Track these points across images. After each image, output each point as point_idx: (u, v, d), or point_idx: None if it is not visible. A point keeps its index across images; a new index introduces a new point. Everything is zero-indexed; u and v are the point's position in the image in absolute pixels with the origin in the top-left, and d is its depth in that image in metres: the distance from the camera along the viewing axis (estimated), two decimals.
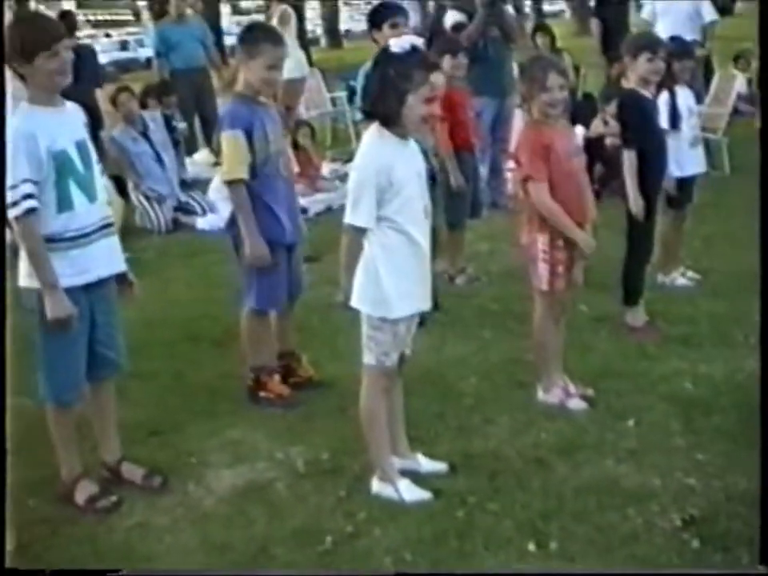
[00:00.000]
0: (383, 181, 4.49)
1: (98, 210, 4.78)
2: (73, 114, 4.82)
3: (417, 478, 4.95)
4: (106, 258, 4.86)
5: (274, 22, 14.32)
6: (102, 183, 4.89)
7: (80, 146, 4.71)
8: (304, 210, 9.19)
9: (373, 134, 4.60)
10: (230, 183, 5.83)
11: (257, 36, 5.86)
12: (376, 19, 7.11)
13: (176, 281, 9.01)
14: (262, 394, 6.07)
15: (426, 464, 5.09)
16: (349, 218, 4.57)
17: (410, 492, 4.84)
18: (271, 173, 5.81)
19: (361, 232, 4.57)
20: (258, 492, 5.04)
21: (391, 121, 4.52)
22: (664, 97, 7.40)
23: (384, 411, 4.89)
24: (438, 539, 4.46)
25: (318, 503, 4.87)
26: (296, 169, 6.41)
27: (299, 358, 6.30)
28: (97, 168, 4.83)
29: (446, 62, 7.80)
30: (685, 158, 7.59)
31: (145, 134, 11.51)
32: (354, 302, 4.69)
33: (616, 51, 7.50)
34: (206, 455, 5.45)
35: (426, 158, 6.15)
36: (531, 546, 4.35)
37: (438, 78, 4.62)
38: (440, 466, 5.09)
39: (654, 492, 4.77)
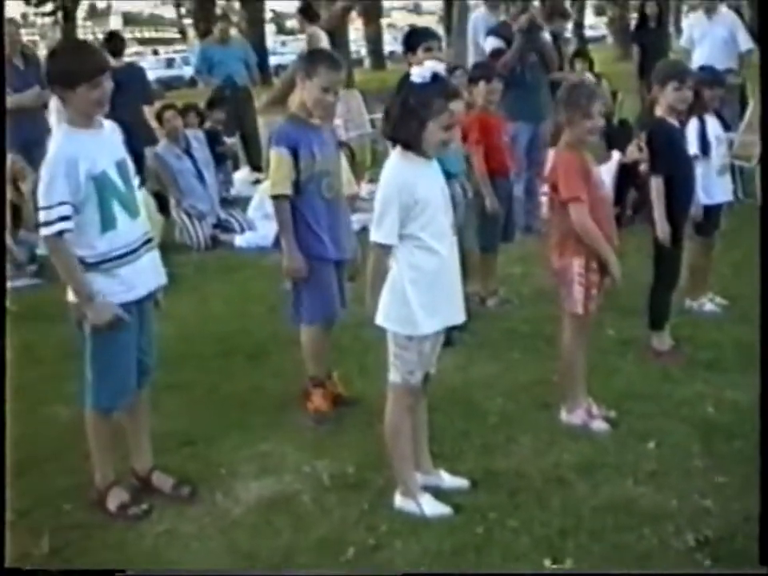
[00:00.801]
0: (406, 198, 4.61)
1: (140, 225, 4.94)
2: (111, 134, 4.96)
3: (439, 493, 5.06)
4: (153, 271, 5.03)
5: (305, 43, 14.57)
6: (141, 198, 5.05)
7: (120, 166, 4.86)
8: None
9: (396, 155, 4.73)
10: (274, 198, 6.01)
11: (315, 58, 6.04)
12: (410, 43, 7.27)
13: (213, 296, 9.17)
14: (309, 404, 6.25)
15: (448, 480, 5.21)
16: (373, 236, 4.70)
17: (431, 507, 4.95)
18: (314, 192, 5.96)
19: (386, 249, 4.69)
20: (284, 503, 5.16)
21: (412, 145, 4.66)
22: (694, 124, 7.49)
23: (408, 428, 5.00)
24: (456, 553, 4.57)
25: (342, 515, 4.98)
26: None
27: (330, 375, 6.42)
28: (135, 184, 4.98)
29: (481, 87, 7.96)
30: (713, 186, 7.67)
31: (188, 152, 11.68)
32: (380, 320, 4.81)
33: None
34: (235, 467, 5.58)
35: (457, 180, 6.29)
36: (547, 563, 4.45)
37: (457, 106, 4.74)
38: (462, 483, 5.19)
39: (670, 513, 4.85)
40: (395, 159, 4.73)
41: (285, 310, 6.47)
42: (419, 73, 4.64)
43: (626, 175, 9.96)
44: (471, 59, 11.90)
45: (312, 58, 6.07)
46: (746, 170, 12.21)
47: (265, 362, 7.28)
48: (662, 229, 6.74)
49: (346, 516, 4.97)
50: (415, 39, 7.27)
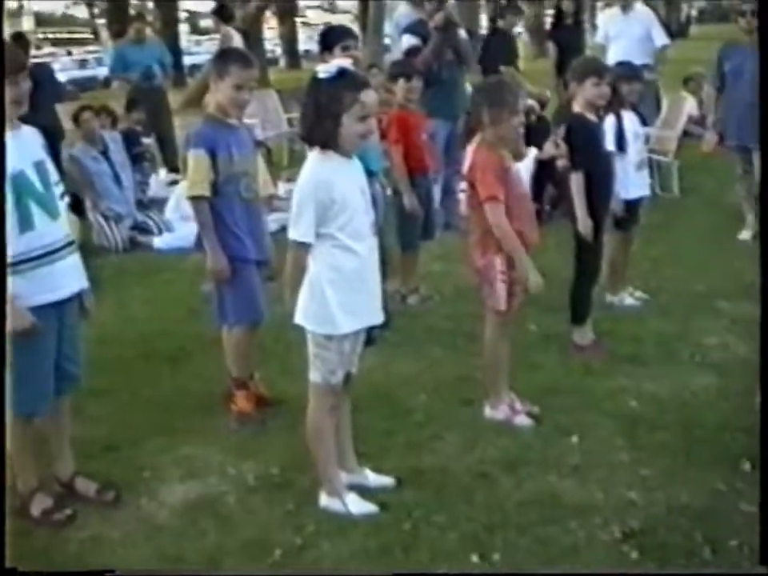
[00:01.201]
0: (323, 197, 4.60)
1: (60, 227, 4.87)
2: (30, 137, 4.89)
3: (364, 492, 5.06)
4: (74, 273, 4.96)
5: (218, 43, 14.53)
6: (63, 202, 4.98)
7: (38, 167, 4.80)
8: None
9: (314, 155, 4.72)
10: (193, 199, 5.95)
11: (227, 57, 6.02)
12: (327, 42, 7.23)
13: (133, 299, 9.08)
14: (233, 407, 6.20)
15: (373, 479, 5.20)
16: (291, 234, 4.68)
17: (357, 506, 4.95)
18: (233, 193, 5.92)
19: (303, 247, 4.67)
20: (210, 506, 5.13)
21: (330, 143, 4.65)
22: (610, 120, 7.56)
23: (331, 428, 5.00)
24: (384, 551, 4.57)
25: (268, 517, 4.97)
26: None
27: (252, 376, 6.38)
28: (57, 187, 4.91)
29: (401, 84, 7.97)
30: (631, 181, 7.75)
31: (105, 153, 11.56)
32: (299, 319, 4.80)
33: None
34: (159, 470, 5.53)
35: (376, 179, 6.29)
36: (475, 558, 4.47)
37: (368, 96, 4.72)
38: (387, 481, 5.19)
39: (595, 506, 4.90)
40: (313, 159, 4.71)
41: (209, 311, 6.43)
42: (325, 69, 4.65)
43: (544, 172, 10.03)
44: (395, 56, 11.93)
45: (224, 58, 6.05)
46: (663, 165, 12.36)
47: (186, 364, 7.22)
48: (584, 223, 6.80)
49: (271, 517, 4.96)
50: (332, 38, 7.24)
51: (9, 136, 4.67)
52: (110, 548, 4.75)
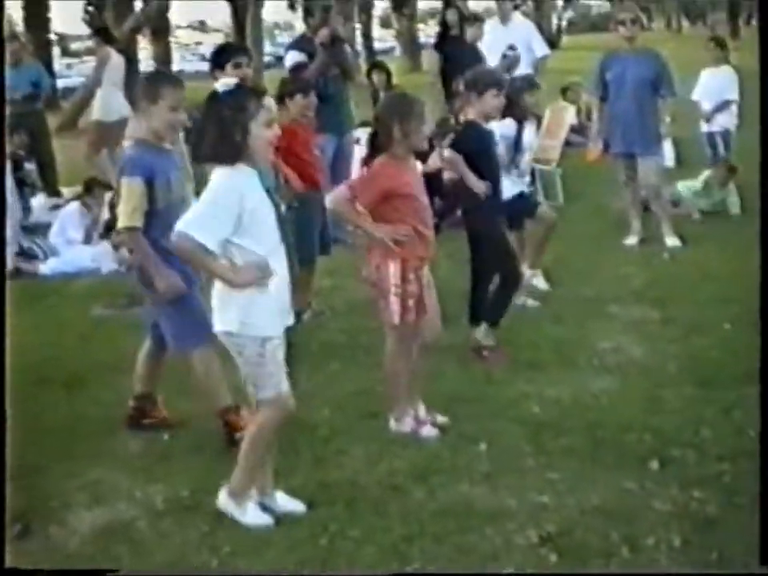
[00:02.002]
0: (236, 207, 4.59)
1: None
2: None
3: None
4: None
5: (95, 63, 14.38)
6: None
7: None
8: None
9: (223, 169, 4.68)
10: (127, 230, 5.80)
11: (156, 80, 5.94)
12: (220, 60, 7.22)
13: (21, 326, 8.88)
14: (146, 421, 6.11)
15: (282, 502, 5.12)
16: (188, 228, 4.62)
17: (253, 516, 4.94)
18: (173, 219, 5.78)
19: (201, 250, 4.62)
20: (121, 531, 5.04)
21: (238, 157, 4.63)
22: (512, 126, 7.65)
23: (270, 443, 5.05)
24: (302, 567, 4.54)
25: (182, 539, 4.90)
26: None
27: (155, 400, 6.29)
28: None
29: (297, 101, 7.90)
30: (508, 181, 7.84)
31: None
32: (225, 328, 4.81)
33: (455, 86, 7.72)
34: (66, 497, 5.43)
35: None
36: (394, 569, 4.46)
37: (270, 102, 4.76)
38: (297, 506, 5.10)
39: (509, 511, 4.92)
40: (223, 171, 4.68)
41: (172, 341, 6.11)
42: (222, 84, 4.67)
43: (429, 184, 10.05)
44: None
45: (153, 81, 5.96)
46: (546, 174, 12.53)
47: (83, 389, 7.10)
48: (478, 185, 6.89)
49: (185, 539, 4.89)
50: (224, 56, 7.24)
51: None
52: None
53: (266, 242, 4.72)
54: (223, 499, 4.99)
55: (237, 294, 4.73)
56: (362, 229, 5.97)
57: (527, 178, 8.41)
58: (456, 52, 13.11)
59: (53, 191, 13.78)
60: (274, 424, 4.93)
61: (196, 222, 4.62)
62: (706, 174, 11.75)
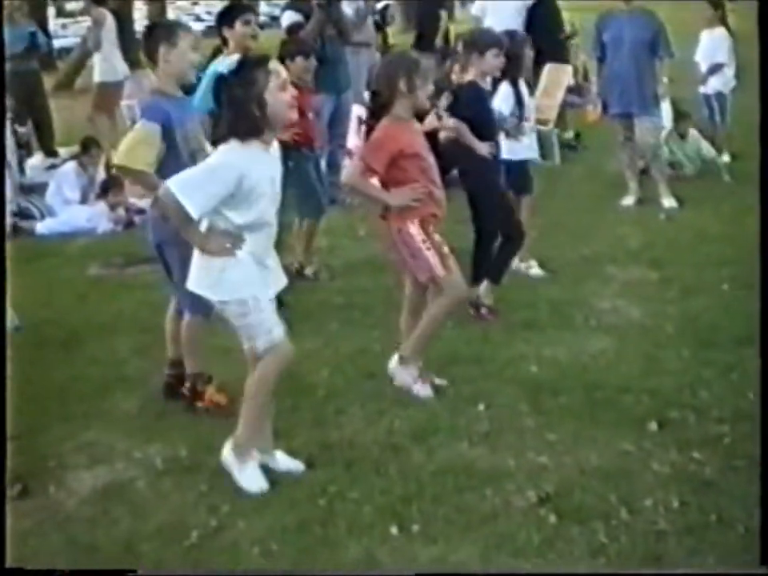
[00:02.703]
0: (230, 185, 4.60)
1: None
2: None
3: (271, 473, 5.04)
4: None
5: (89, 23, 14.27)
6: None
7: None
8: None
9: (233, 143, 4.67)
10: (126, 171, 5.82)
11: (171, 25, 6.06)
12: (228, 17, 7.22)
13: (18, 286, 8.86)
14: (200, 404, 5.94)
15: (282, 461, 5.13)
16: (176, 189, 4.61)
17: (250, 480, 4.94)
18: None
19: (187, 219, 4.65)
20: (119, 492, 5.05)
21: (260, 131, 4.65)
22: (506, 87, 7.61)
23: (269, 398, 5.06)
24: (302, 528, 4.53)
25: (181, 499, 4.91)
26: None
27: (207, 378, 6.05)
28: None
29: (298, 63, 7.90)
30: (519, 144, 7.80)
31: None
32: (204, 291, 4.87)
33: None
34: (63, 458, 5.43)
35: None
36: (394, 530, 4.46)
37: (275, 64, 4.75)
38: (295, 465, 5.12)
39: (508, 471, 4.93)
40: (232, 146, 4.67)
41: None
42: (225, 65, 4.68)
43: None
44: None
45: (168, 27, 5.99)
46: (543, 134, 12.46)
47: (79, 350, 7.10)
48: (480, 147, 6.89)
49: (184, 500, 4.90)
50: (233, 12, 7.26)
51: None
52: (22, 539, 4.62)
53: (257, 216, 4.74)
54: (226, 454, 4.98)
55: (210, 259, 4.77)
56: (380, 200, 5.96)
57: (535, 145, 8.35)
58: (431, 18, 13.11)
59: (49, 151, 13.71)
60: (272, 373, 4.92)
61: (186, 186, 4.62)
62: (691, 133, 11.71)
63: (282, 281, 5.03)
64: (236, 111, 4.61)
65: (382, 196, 5.90)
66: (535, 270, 8.11)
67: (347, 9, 11.05)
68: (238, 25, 7.11)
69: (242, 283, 4.77)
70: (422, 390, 5.92)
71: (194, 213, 4.60)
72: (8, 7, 13.83)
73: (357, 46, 11.50)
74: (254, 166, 4.65)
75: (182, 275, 5.77)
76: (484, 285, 7.21)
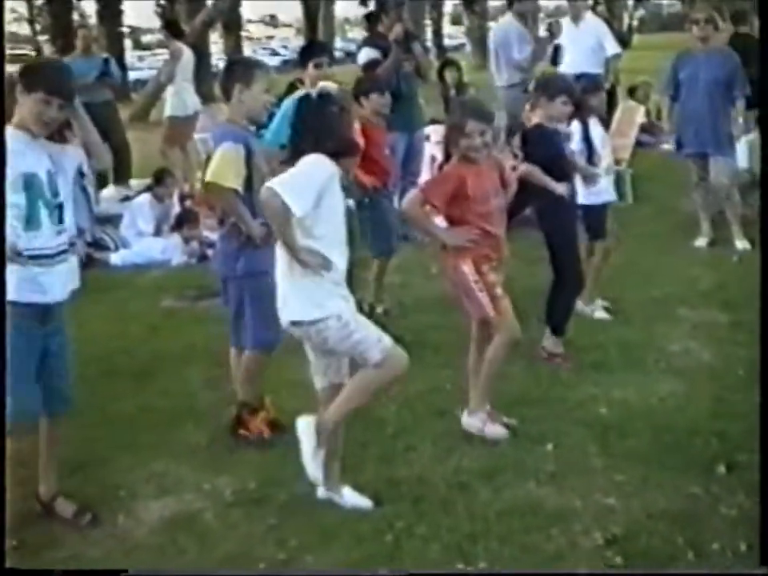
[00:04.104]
0: (322, 188, 4.71)
1: (61, 234, 4.89)
2: (65, 152, 4.97)
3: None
4: (67, 278, 4.98)
5: (166, 56, 14.43)
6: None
7: (50, 175, 4.83)
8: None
9: (316, 155, 4.80)
10: (218, 189, 5.81)
11: (248, 65, 6.02)
12: (302, 57, 7.38)
13: (91, 316, 9.00)
14: (242, 431, 6.02)
15: (350, 497, 5.16)
16: (282, 192, 4.66)
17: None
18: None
19: (287, 212, 4.69)
20: (188, 522, 5.10)
21: (348, 151, 4.85)
22: (576, 127, 7.60)
23: None
24: (368, 563, 4.56)
25: (248, 531, 4.95)
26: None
27: (262, 400, 6.18)
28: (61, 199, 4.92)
29: (374, 100, 7.92)
30: (599, 186, 7.79)
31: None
32: (302, 316, 4.87)
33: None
34: (133, 488, 5.49)
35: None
36: (460, 567, 4.47)
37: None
38: (364, 501, 5.14)
39: (575, 512, 4.92)
40: (318, 156, 4.79)
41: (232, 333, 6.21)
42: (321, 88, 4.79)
43: None
44: (495, 70, 12.30)
45: (246, 66, 6.00)
46: (617, 174, 12.42)
47: (151, 380, 7.17)
48: (556, 186, 6.83)
49: (252, 532, 4.94)
50: (306, 55, 7.43)
51: (28, 139, 4.77)
52: (90, 568, 4.69)
53: (332, 236, 4.82)
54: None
55: (303, 281, 4.81)
56: (431, 235, 6.03)
57: (612, 187, 8.34)
58: None
59: (125, 182, 13.86)
60: (385, 378, 5.01)
61: (288, 185, 4.69)
62: None
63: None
64: (331, 128, 4.80)
65: (437, 232, 5.97)
66: (600, 313, 8.07)
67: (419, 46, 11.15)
68: (310, 67, 7.23)
69: (335, 302, 4.83)
70: (494, 430, 5.90)
71: (298, 211, 4.66)
72: (85, 39, 14.09)
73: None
74: (333, 182, 4.78)
75: (240, 310, 5.87)
76: (549, 335, 7.17)
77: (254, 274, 5.77)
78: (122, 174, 13.91)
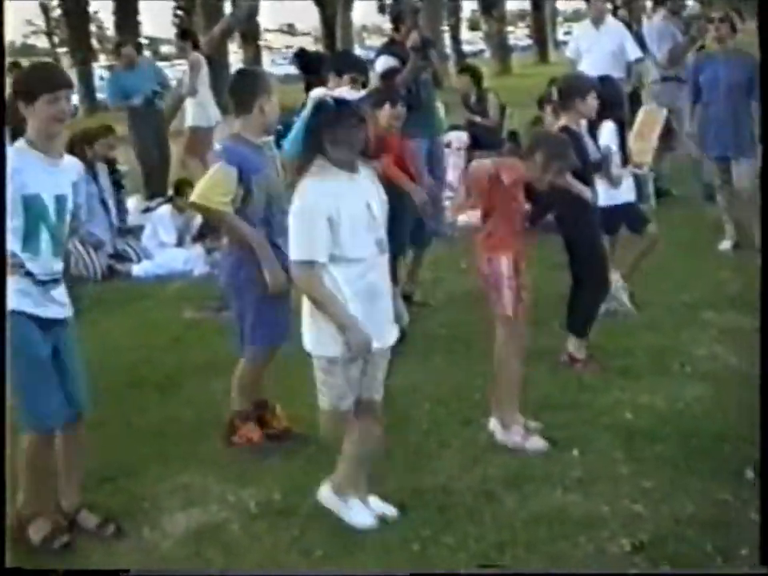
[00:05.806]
0: (329, 214, 4.61)
1: (57, 262, 4.90)
2: (66, 168, 4.95)
3: None
4: (62, 301, 4.96)
5: (185, 68, 14.44)
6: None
7: (58, 199, 4.83)
8: None
9: (312, 177, 4.72)
10: (203, 210, 5.94)
11: (267, 76, 6.10)
12: (341, 67, 7.46)
13: (114, 328, 9.01)
14: (234, 438, 6.04)
15: (376, 506, 5.13)
16: (298, 254, 4.66)
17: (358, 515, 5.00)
18: (276, 216, 5.82)
19: (312, 267, 4.64)
20: (213, 533, 5.09)
21: (362, 156, 4.80)
22: (610, 126, 7.66)
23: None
24: (395, 572, 4.54)
25: (274, 542, 4.93)
26: None
27: (273, 409, 6.23)
28: (67, 225, 4.93)
29: (387, 110, 7.88)
30: (616, 189, 7.84)
31: (94, 178, 11.34)
32: (305, 344, 4.83)
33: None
34: (158, 500, 5.48)
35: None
36: None
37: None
38: (389, 510, 5.11)
39: (602, 519, 4.88)
40: (312, 179, 4.73)
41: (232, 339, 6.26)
42: (338, 94, 4.80)
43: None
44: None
45: (266, 80, 6.00)
46: (639, 177, 12.37)
47: (175, 392, 7.16)
48: (583, 190, 6.79)
49: (277, 542, 4.92)
50: (346, 66, 7.51)
51: (40, 157, 4.76)
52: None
53: (358, 250, 4.70)
54: (326, 495, 5.05)
55: (311, 317, 4.78)
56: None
57: (633, 187, 8.35)
58: None
59: (163, 194, 13.83)
60: (331, 434, 5.00)
61: (298, 249, 4.68)
62: None
63: (386, 339, 4.94)
64: (347, 135, 4.74)
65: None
66: (625, 299, 8.06)
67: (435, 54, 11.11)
68: (345, 78, 7.38)
69: (335, 342, 4.72)
70: (535, 444, 5.83)
71: (320, 257, 4.63)
72: (128, 56, 14.16)
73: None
74: (343, 195, 4.69)
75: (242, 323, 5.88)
76: (573, 340, 7.13)
77: (255, 281, 5.78)
78: (159, 187, 13.89)
